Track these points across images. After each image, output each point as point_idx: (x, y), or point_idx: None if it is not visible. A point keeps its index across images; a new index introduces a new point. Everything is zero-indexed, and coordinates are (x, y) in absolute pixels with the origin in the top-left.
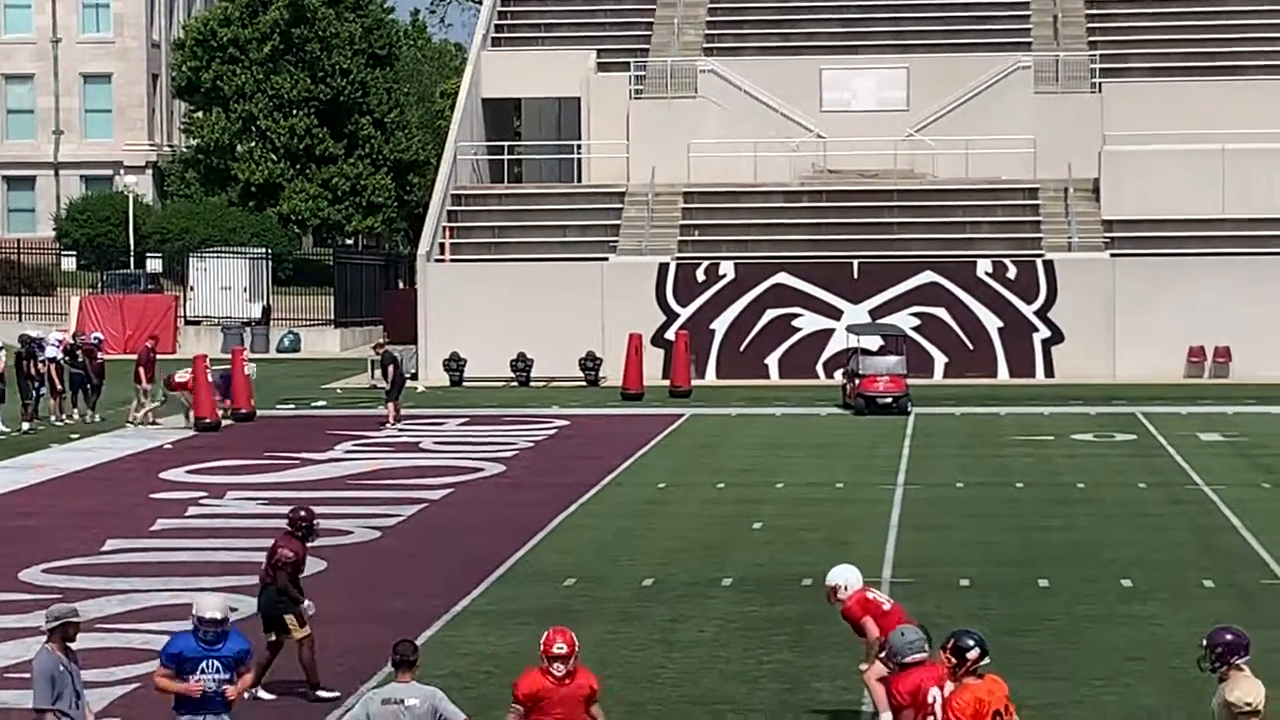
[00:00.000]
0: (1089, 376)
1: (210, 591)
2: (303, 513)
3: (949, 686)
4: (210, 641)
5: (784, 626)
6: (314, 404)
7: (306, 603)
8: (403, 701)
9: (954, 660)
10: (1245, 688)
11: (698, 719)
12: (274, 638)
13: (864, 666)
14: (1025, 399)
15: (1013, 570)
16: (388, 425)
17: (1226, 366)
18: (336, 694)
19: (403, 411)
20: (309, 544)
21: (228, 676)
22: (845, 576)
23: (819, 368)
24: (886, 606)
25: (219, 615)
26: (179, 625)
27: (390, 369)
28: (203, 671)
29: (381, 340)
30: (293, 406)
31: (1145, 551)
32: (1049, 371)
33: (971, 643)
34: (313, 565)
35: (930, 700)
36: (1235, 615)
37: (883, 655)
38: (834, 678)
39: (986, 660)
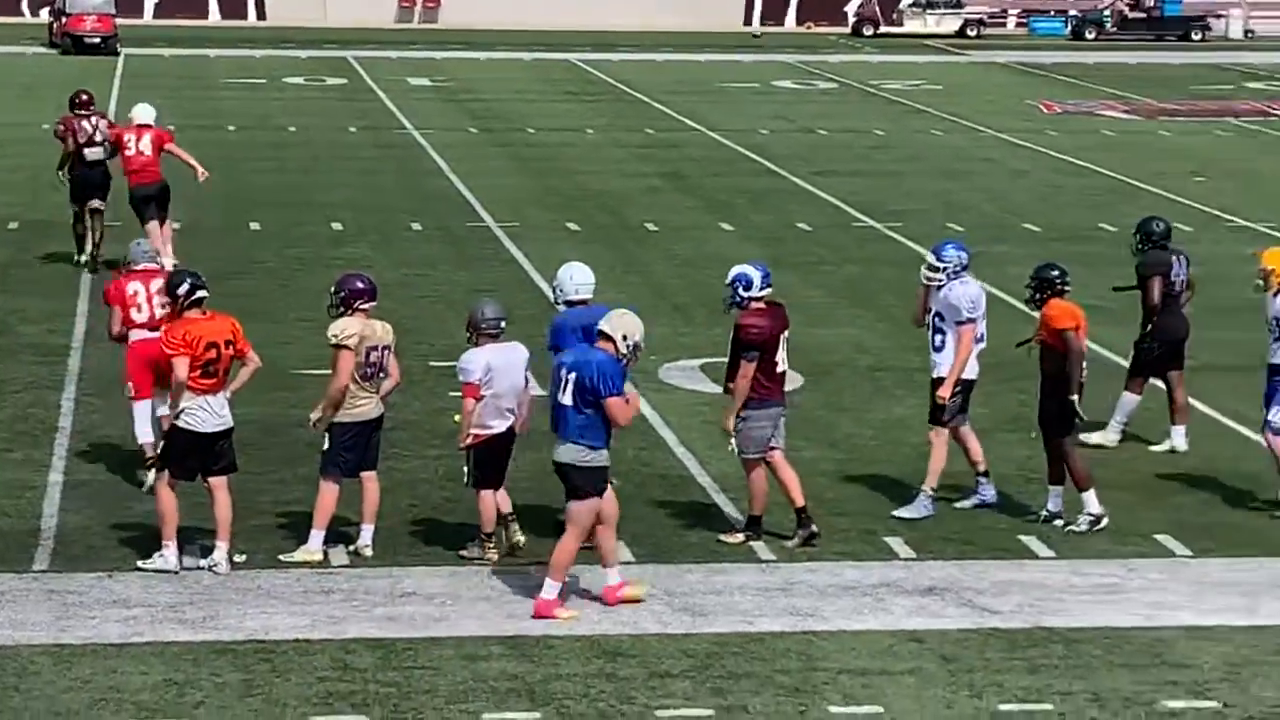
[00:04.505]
0: (301, 20)
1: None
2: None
3: (157, 283)
4: None
5: None
6: None
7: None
8: None
9: (168, 298)
10: (336, 326)
11: None
12: None
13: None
14: (237, 41)
15: (224, 214)
16: None
17: (436, 12)
18: None
19: None
20: None
21: None
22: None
23: (24, 5)
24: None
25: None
26: None
27: None
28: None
29: None
30: None
31: (355, 195)
32: (261, 14)
33: (179, 280)
34: None
35: (132, 294)
36: (442, 258)
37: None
38: (40, 320)
39: (201, 294)
